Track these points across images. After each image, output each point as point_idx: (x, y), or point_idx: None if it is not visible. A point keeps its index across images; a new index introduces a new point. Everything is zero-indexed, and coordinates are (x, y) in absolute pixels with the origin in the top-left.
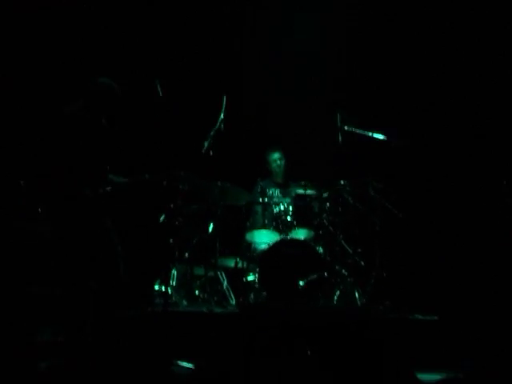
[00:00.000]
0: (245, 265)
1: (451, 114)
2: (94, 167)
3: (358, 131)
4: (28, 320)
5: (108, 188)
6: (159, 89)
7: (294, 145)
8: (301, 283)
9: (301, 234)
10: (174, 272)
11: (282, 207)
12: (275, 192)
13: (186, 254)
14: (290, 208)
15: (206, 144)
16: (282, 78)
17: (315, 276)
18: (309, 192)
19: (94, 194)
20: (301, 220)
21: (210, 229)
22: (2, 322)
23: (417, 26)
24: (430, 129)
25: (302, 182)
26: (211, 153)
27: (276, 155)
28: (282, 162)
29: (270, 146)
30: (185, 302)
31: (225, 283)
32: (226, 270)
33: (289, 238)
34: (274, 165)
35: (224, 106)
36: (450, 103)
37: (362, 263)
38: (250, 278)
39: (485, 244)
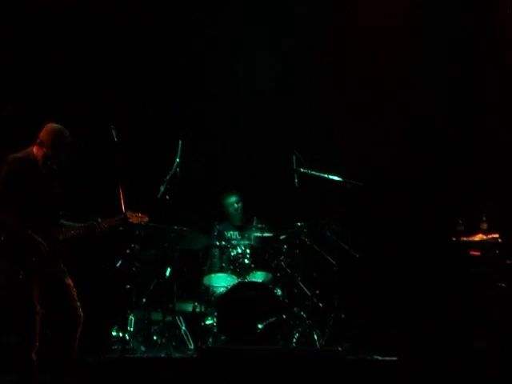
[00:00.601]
0: (203, 309)
1: (405, 154)
2: (44, 213)
3: (313, 173)
4: None
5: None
6: (114, 134)
7: (251, 187)
8: (259, 326)
9: (259, 276)
10: (132, 317)
11: (239, 250)
12: (233, 235)
13: (144, 299)
14: (248, 251)
15: (162, 188)
16: (237, 121)
17: (274, 319)
18: (266, 234)
19: (44, 240)
20: (258, 262)
21: (168, 273)
22: None
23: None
24: (384, 169)
25: (260, 225)
26: (167, 197)
27: (233, 199)
28: (239, 205)
29: (226, 190)
30: (143, 348)
31: (183, 328)
32: (184, 314)
33: (247, 280)
34: (231, 208)
35: (179, 151)
36: (404, 143)
37: (321, 305)
38: (209, 321)
39: (442, 283)
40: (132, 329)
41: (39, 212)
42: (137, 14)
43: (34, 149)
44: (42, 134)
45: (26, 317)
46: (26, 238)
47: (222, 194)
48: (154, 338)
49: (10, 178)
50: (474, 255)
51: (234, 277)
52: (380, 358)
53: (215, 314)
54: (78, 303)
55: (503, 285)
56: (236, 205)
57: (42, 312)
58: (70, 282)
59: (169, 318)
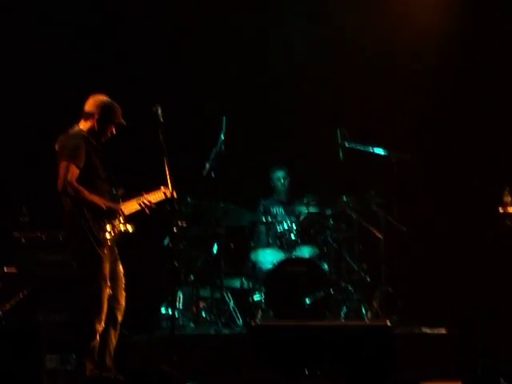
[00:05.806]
0: (250, 285)
1: (451, 127)
2: (105, 188)
3: (358, 147)
4: (35, 348)
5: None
6: (160, 113)
7: (296, 162)
8: (307, 301)
9: (305, 251)
10: (180, 295)
11: (285, 226)
12: (279, 210)
13: (192, 276)
14: (294, 226)
15: (207, 165)
16: (282, 96)
17: (321, 293)
18: (312, 209)
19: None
20: (305, 238)
21: (215, 250)
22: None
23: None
24: (431, 142)
25: (305, 200)
26: (213, 174)
27: (280, 174)
28: (286, 181)
29: (275, 164)
30: (192, 325)
31: (231, 304)
32: (232, 290)
33: (293, 256)
34: (277, 183)
35: (224, 127)
36: (449, 116)
37: (368, 279)
38: (257, 297)
39: (489, 254)
40: (181, 306)
41: (102, 187)
42: None
43: (82, 125)
44: (94, 107)
45: (98, 289)
46: (104, 205)
47: (270, 167)
48: (203, 314)
49: (78, 150)
50: None
51: (280, 252)
52: (429, 330)
53: (263, 289)
54: (124, 293)
55: None
56: (282, 180)
57: (110, 293)
58: (121, 268)
59: (217, 295)
